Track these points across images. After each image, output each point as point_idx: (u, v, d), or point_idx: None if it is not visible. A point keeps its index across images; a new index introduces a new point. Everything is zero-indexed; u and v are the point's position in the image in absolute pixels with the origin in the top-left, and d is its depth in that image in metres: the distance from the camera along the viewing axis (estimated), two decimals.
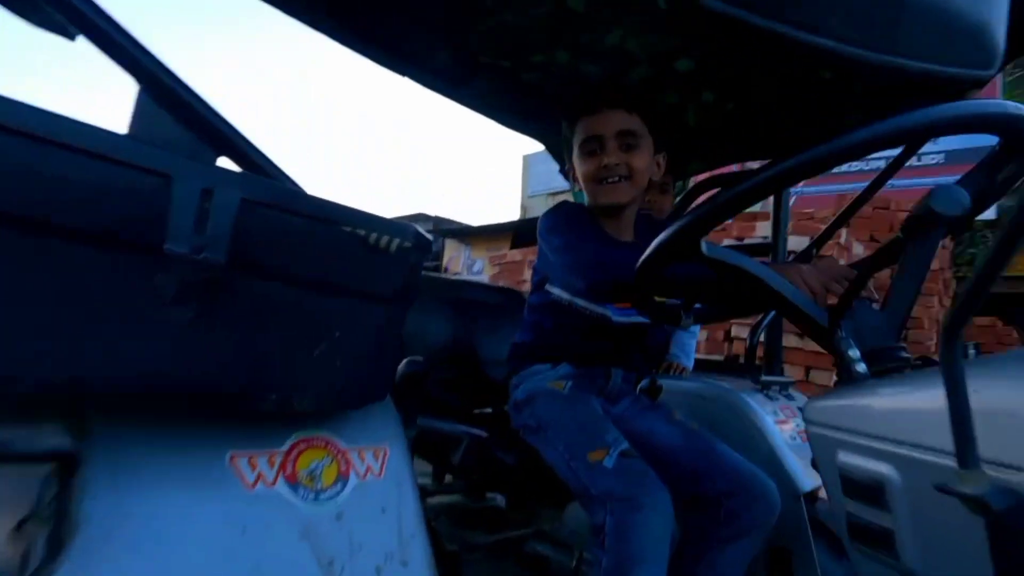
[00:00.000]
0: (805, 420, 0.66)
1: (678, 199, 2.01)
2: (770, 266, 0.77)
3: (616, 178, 1.10)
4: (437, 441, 1.10)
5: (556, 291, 1.17)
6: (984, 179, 0.67)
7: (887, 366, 0.68)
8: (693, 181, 2.09)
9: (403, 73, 1.36)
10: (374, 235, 0.58)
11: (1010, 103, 0.57)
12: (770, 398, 1.49)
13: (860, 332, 0.70)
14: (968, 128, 0.57)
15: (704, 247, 0.70)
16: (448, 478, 1.49)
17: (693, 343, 1.87)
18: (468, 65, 1.36)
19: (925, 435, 0.50)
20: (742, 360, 3.12)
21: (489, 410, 1.37)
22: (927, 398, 0.52)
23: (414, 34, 1.24)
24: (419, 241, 0.62)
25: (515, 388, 1.18)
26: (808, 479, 1.28)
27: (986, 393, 0.47)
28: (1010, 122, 0.57)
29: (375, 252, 0.59)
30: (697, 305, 0.98)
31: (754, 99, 1.43)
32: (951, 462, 0.46)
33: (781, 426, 1.41)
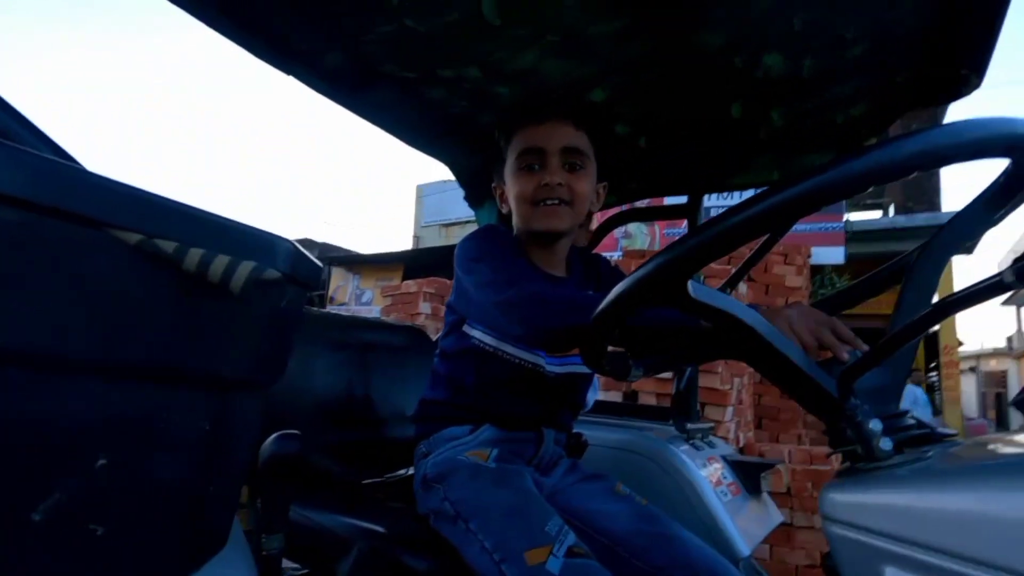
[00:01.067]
0: (825, 517, 0.51)
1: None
2: (758, 311, 0.62)
3: (556, 201, 0.92)
4: (316, 544, 0.81)
5: (477, 334, 0.95)
6: (992, 211, 0.59)
7: (903, 438, 0.55)
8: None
9: (288, 72, 1.15)
10: (196, 254, 0.30)
11: (1018, 119, 0.47)
12: (696, 448, 1.39)
13: (866, 395, 0.57)
14: (976, 154, 0.46)
15: (691, 289, 0.54)
16: None
17: (597, 381, 1.73)
18: (366, 72, 1.18)
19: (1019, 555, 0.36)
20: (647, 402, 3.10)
21: (380, 480, 1.10)
22: (1005, 496, 0.39)
23: (302, 28, 1.03)
24: (297, 269, 0.36)
25: (423, 458, 0.93)
26: (745, 543, 1.17)
27: None
28: (1010, 140, 0.47)
29: (199, 288, 0.32)
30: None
31: (667, 135, 1.39)
32: None
33: (710, 478, 1.31)
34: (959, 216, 0.61)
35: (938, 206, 10.42)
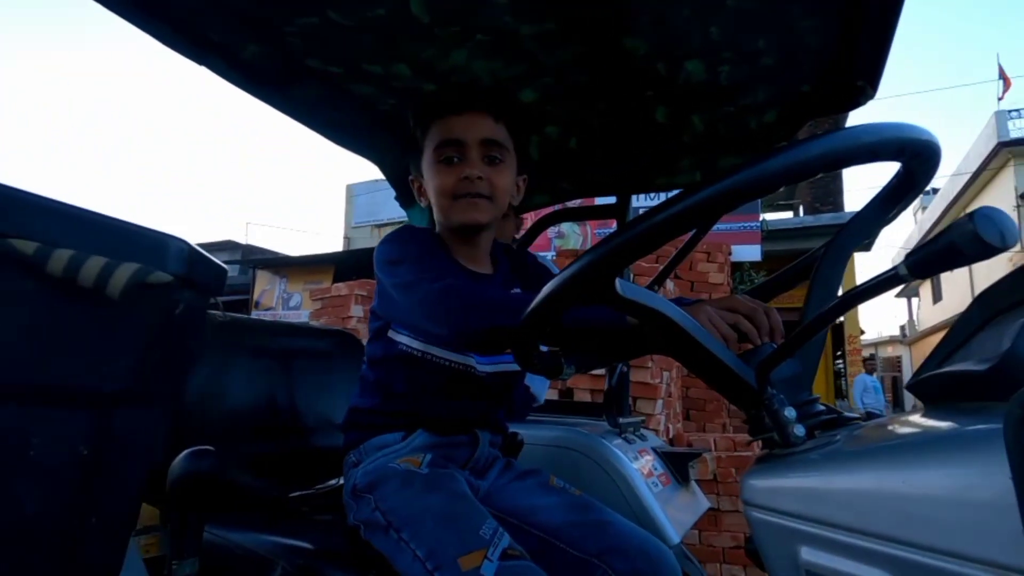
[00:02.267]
0: (745, 503, 0.53)
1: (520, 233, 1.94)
2: (682, 305, 0.64)
3: (476, 194, 0.91)
4: (237, 567, 0.75)
5: (404, 339, 0.92)
6: (886, 210, 0.64)
7: (814, 423, 0.59)
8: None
9: (202, 63, 1.07)
10: (63, 256, 0.27)
11: (906, 124, 0.51)
12: (628, 442, 1.43)
13: (781, 385, 0.60)
14: (871, 156, 0.50)
15: (620, 287, 0.54)
16: None
17: (544, 390, 1.74)
18: (288, 66, 1.12)
19: (929, 532, 0.39)
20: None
21: (308, 492, 1.05)
22: (898, 475, 0.42)
23: (216, 17, 0.97)
24: (194, 272, 0.33)
25: (353, 467, 0.89)
26: (674, 531, 1.21)
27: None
28: (910, 146, 0.51)
29: (68, 294, 0.28)
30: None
31: (596, 137, 1.43)
32: (974, 571, 0.35)
33: (642, 471, 1.35)
34: (857, 216, 0.65)
35: (841, 206, 11.35)
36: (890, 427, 0.55)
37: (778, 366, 0.57)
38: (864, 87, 1.09)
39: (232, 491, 0.82)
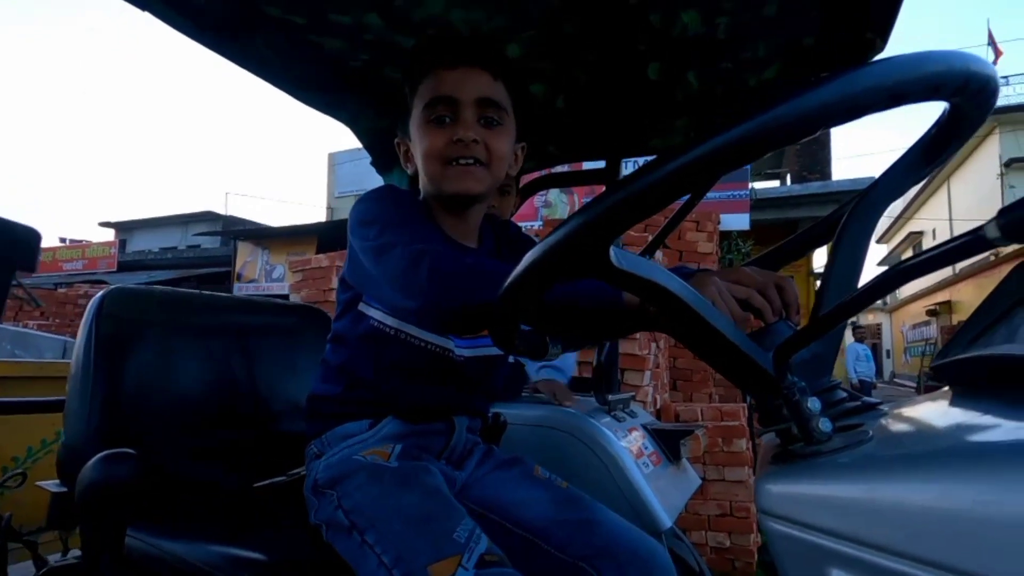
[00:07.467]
0: (761, 511, 0.45)
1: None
2: (686, 276, 0.55)
3: (471, 160, 0.79)
4: None
5: (375, 313, 0.82)
6: (929, 159, 0.55)
7: (838, 412, 0.51)
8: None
9: (145, 8, 0.95)
10: None
11: (968, 54, 0.42)
12: (618, 420, 1.36)
13: (800, 369, 0.52)
14: (930, 93, 0.40)
15: (615, 256, 0.45)
16: None
17: (573, 356, 1.64)
18: (246, 15, 1.01)
19: (1011, 564, 0.31)
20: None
21: (271, 482, 0.96)
22: (967, 488, 0.34)
23: None
24: None
25: (315, 459, 0.81)
26: (666, 514, 1.15)
27: None
28: (975, 81, 0.41)
29: None
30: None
31: (585, 96, 1.33)
32: None
33: (631, 450, 1.28)
34: (893, 168, 0.56)
35: (829, 175, 11.29)
36: (931, 421, 0.47)
37: (799, 348, 0.48)
38: (873, 40, 1.00)
39: (191, 483, 0.72)
